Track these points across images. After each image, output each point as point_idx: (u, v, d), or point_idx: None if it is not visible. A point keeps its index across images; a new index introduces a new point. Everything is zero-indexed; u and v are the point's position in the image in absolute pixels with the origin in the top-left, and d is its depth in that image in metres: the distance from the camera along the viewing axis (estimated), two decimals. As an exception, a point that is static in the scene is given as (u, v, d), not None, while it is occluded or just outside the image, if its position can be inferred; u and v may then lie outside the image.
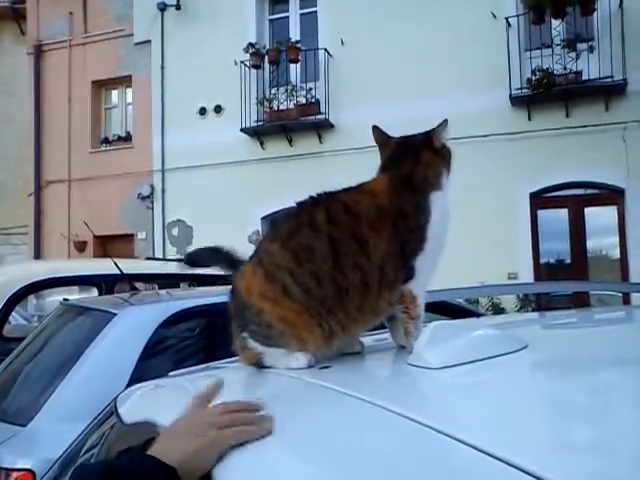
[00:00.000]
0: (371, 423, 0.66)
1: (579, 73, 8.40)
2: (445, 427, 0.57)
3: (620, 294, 7.44)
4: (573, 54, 8.40)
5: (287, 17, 10.65)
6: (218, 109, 10.55)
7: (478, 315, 3.57)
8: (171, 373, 1.27)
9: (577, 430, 0.59)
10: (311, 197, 1.04)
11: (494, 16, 8.96)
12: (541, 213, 9.00)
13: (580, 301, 7.63)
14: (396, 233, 0.96)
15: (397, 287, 0.97)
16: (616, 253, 8.81)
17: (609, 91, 8.39)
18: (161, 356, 2.30)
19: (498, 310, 7.99)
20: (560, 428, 0.60)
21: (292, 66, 10.02)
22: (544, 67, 8.49)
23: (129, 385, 1.99)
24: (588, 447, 0.56)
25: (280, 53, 9.89)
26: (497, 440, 0.54)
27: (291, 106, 9.83)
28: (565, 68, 8.44)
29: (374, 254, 0.94)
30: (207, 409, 0.74)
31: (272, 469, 0.60)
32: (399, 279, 0.97)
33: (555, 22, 8.59)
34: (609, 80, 8.27)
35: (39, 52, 12.12)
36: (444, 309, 2.64)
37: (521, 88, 8.69)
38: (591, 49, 8.36)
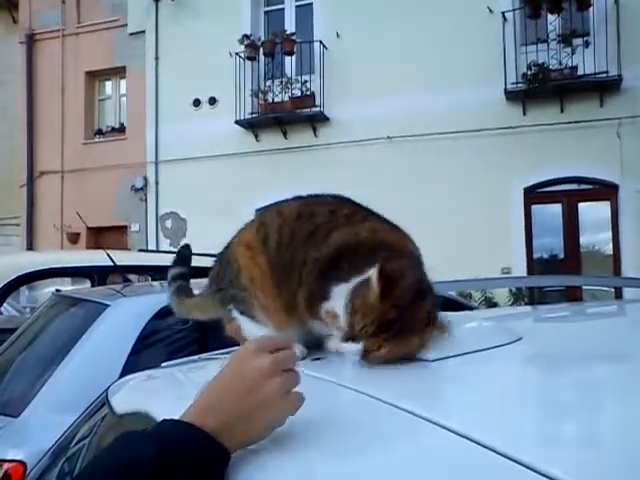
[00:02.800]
0: (365, 414, 0.66)
1: (574, 68, 8.41)
2: (439, 418, 0.56)
3: (612, 289, 7.49)
4: (568, 49, 8.41)
5: (282, 9, 10.60)
6: (212, 101, 10.51)
7: (471, 308, 3.58)
8: (163, 364, 1.26)
9: (571, 422, 0.59)
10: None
11: (490, 10, 8.95)
12: (535, 208, 9.03)
13: (573, 296, 7.68)
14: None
15: (316, 303, 0.91)
16: (609, 248, 8.86)
17: (604, 87, 8.41)
18: (154, 348, 2.29)
19: (491, 304, 8.02)
20: (555, 420, 0.60)
21: (287, 58, 9.99)
22: (539, 62, 8.50)
23: (121, 376, 1.99)
24: (582, 439, 0.56)
25: (275, 45, 9.85)
26: (492, 431, 0.54)
27: (286, 99, 9.80)
28: (560, 63, 8.45)
29: (308, 256, 0.93)
30: (265, 364, 0.59)
31: (269, 462, 0.59)
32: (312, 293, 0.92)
33: (551, 17, 8.60)
34: (604, 75, 8.28)
35: (31, 41, 12.02)
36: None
37: (516, 83, 8.69)
38: (586, 44, 8.37)
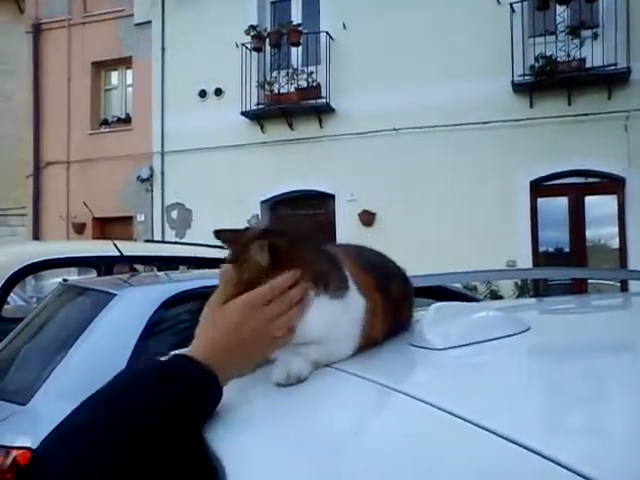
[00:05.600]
0: (374, 401, 0.66)
1: (582, 60, 8.36)
2: (449, 405, 0.56)
3: (618, 283, 7.48)
4: (577, 41, 8.35)
5: (289, 0, 10.55)
6: (218, 92, 10.50)
7: (476, 300, 3.58)
8: (171, 353, 1.27)
9: (580, 411, 0.59)
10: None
11: (498, 2, 8.90)
12: (541, 201, 9.01)
13: (578, 289, 7.66)
14: None
15: None
16: (615, 242, 8.83)
17: (612, 79, 8.35)
18: (160, 337, 2.31)
19: (496, 297, 8.02)
20: (564, 409, 0.60)
21: (293, 49, 9.96)
22: (547, 54, 8.45)
23: (129, 365, 2.00)
24: (591, 427, 0.56)
25: (281, 36, 9.82)
26: (501, 419, 0.54)
27: (292, 90, 9.78)
28: (569, 55, 8.40)
29: None
30: (241, 301, 0.69)
31: (271, 447, 0.60)
32: None
33: (559, 8, 8.54)
34: (612, 68, 8.23)
35: (38, 31, 12.02)
36: (440, 294, 2.63)
37: (524, 75, 8.65)
38: (595, 36, 8.31)
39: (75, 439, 0.62)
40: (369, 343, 0.78)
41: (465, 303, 0.90)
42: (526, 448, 0.47)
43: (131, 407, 0.63)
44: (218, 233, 0.76)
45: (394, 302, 0.83)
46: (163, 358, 0.69)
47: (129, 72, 11.77)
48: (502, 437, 0.49)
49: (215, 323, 0.70)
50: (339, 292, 0.72)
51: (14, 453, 1.83)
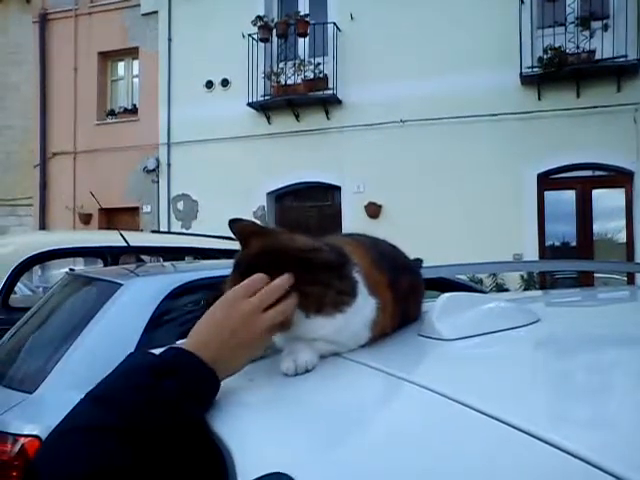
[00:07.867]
0: (382, 390, 0.66)
1: (592, 52, 8.28)
2: (457, 395, 0.56)
3: (624, 277, 7.45)
4: (587, 32, 8.26)
5: (296, -10, 10.50)
6: (225, 83, 10.47)
7: (482, 293, 3.57)
8: (178, 342, 1.27)
9: (589, 402, 0.59)
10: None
11: (507, -8, 8.81)
12: (548, 194, 8.96)
13: (585, 282, 7.63)
14: None
15: None
16: (622, 236, 8.79)
17: (622, 71, 8.27)
18: (166, 327, 2.31)
19: (502, 290, 8.00)
20: (573, 399, 0.60)
21: (300, 40, 9.92)
22: (556, 46, 8.37)
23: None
24: (599, 418, 0.56)
25: (289, 27, 9.77)
26: (510, 409, 0.53)
27: (299, 81, 9.75)
28: (578, 47, 8.31)
29: None
30: (247, 308, 0.69)
31: (281, 434, 0.59)
32: None
33: (569, -1, 8.45)
34: (622, 60, 8.15)
35: (45, 21, 12.01)
36: (446, 286, 2.62)
37: (532, 67, 8.58)
38: (605, 28, 8.22)
39: (69, 441, 0.60)
40: (379, 336, 0.79)
41: (474, 294, 0.89)
42: (535, 437, 0.47)
43: (128, 404, 0.62)
44: (233, 223, 0.77)
45: (405, 297, 0.83)
46: (156, 351, 0.69)
47: (135, 63, 11.75)
48: (511, 426, 0.49)
49: (207, 318, 0.72)
50: (347, 300, 0.73)
51: (22, 441, 1.84)
